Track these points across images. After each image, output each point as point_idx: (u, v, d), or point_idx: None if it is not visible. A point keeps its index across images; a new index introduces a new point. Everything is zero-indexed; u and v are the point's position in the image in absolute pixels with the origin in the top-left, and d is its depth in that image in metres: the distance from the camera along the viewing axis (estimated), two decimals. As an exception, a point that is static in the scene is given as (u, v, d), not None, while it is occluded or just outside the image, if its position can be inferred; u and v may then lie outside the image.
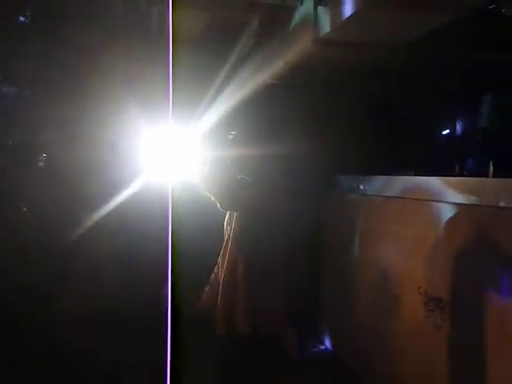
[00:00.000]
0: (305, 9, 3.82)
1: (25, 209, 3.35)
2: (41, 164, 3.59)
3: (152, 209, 3.65)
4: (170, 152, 2.67)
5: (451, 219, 3.14)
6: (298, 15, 3.98)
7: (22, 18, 4.32)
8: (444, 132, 4.94)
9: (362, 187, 4.42)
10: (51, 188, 3.56)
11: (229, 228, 2.64)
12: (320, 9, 3.60)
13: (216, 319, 2.62)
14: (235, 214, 2.56)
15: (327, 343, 4.96)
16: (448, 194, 3.17)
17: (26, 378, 2.80)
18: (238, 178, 2.54)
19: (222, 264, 2.65)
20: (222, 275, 2.64)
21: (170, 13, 2.46)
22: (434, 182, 3.36)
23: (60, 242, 3.44)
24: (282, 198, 2.66)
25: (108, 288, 3.54)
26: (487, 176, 3.30)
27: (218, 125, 2.77)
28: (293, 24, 4.09)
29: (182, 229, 2.84)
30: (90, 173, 3.67)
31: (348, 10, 3.23)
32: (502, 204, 2.67)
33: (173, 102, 2.58)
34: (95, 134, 4.02)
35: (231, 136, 2.69)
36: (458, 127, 4.82)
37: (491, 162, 3.27)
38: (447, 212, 3.16)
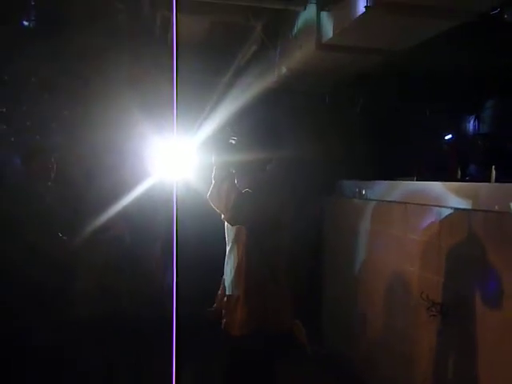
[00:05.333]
0: (308, 14, 3.83)
1: (36, 210, 3.39)
2: (49, 166, 3.62)
3: (157, 211, 3.68)
4: (175, 155, 2.67)
5: (453, 224, 3.13)
6: (301, 21, 3.99)
7: (25, 23, 4.36)
8: (447, 137, 4.94)
9: (364, 192, 4.42)
10: (60, 190, 3.60)
11: (232, 233, 2.65)
12: (323, 14, 3.61)
13: (228, 319, 2.63)
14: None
15: (329, 343, 4.96)
16: (450, 199, 3.17)
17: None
18: (243, 192, 2.54)
19: (233, 270, 2.66)
20: (230, 279, 2.65)
21: (174, 18, 2.46)
22: (437, 187, 3.35)
23: (64, 244, 3.48)
24: (288, 205, 2.67)
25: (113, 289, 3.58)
26: (490, 181, 3.29)
27: (219, 130, 2.77)
28: (296, 29, 4.09)
29: (185, 230, 2.85)
30: (96, 175, 3.71)
31: (351, 15, 3.24)
32: (505, 209, 2.67)
33: (177, 107, 2.58)
34: (100, 137, 4.05)
35: (233, 141, 2.69)
36: (461, 132, 4.82)
37: (493, 167, 3.27)
38: (450, 217, 3.16)
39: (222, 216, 2.60)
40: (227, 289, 2.68)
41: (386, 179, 4.17)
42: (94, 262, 3.58)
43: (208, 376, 3.17)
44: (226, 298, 2.67)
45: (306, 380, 4.05)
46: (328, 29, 3.56)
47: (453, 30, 3.30)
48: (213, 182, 2.59)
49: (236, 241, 2.62)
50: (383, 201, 4.07)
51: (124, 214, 3.62)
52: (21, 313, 3.28)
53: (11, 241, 3.35)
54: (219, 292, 2.81)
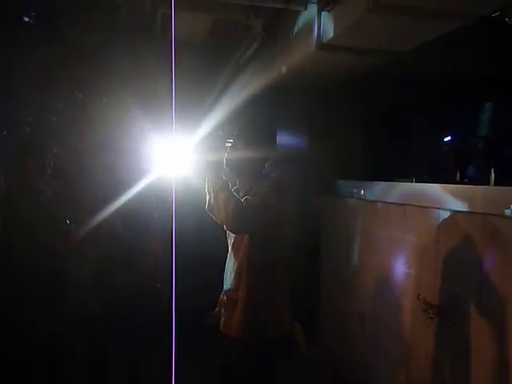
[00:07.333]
0: (308, 14, 3.82)
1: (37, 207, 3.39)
2: (46, 162, 3.61)
3: (155, 208, 3.68)
4: (173, 154, 2.66)
5: (451, 226, 3.13)
6: (301, 20, 3.98)
7: (26, 19, 4.34)
8: (446, 139, 4.95)
9: (361, 192, 4.41)
10: (58, 186, 3.59)
11: (233, 235, 2.64)
12: (324, 14, 3.59)
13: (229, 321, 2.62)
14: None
15: (326, 344, 4.96)
16: (448, 202, 3.17)
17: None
18: (243, 200, 2.46)
19: (233, 271, 2.66)
20: (230, 280, 2.64)
21: (173, 16, 2.46)
22: (435, 189, 3.36)
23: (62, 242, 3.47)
24: (289, 206, 2.64)
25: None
26: (489, 184, 3.30)
27: (217, 130, 2.75)
28: (296, 29, 4.09)
29: (183, 229, 2.84)
30: (94, 173, 3.70)
31: (352, 15, 3.23)
32: (503, 212, 2.67)
33: (177, 104, 2.57)
34: (98, 134, 4.04)
35: (228, 144, 2.67)
36: (460, 135, 4.82)
37: (493, 170, 3.27)
38: (448, 219, 3.16)
39: (224, 227, 2.58)
40: (226, 289, 2.67)
41: (384, 180, 4.17)
42: (91, 258, 3.57)
43: (204, 378, 3.16)
44: (225, 298, 2.66)
45: (302, 381, 4.06)
46: (329, 29, 3.55)
47: (453, 32, 3.30)
48: (207, 193, 2.55)
49: (237, 243, 2.60)
50: (381, 202, 4.07)
51: (122, 211, 3.61)
52: (18, 304, 3.28)
53: (10, 235, 3.35)
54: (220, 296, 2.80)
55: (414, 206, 3.57)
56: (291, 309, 2.67)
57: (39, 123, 4.38)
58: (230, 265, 2.65)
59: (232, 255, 2.65)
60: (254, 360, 2.52)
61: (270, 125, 2.84)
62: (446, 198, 3.19)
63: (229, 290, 2.64)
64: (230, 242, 2.68)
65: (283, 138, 5.03)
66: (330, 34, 3.53)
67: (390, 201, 3.92)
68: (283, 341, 2.60)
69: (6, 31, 4.17)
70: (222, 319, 2.63)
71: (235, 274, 2.60)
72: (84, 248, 3.58)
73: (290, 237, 2.67)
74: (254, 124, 2.75)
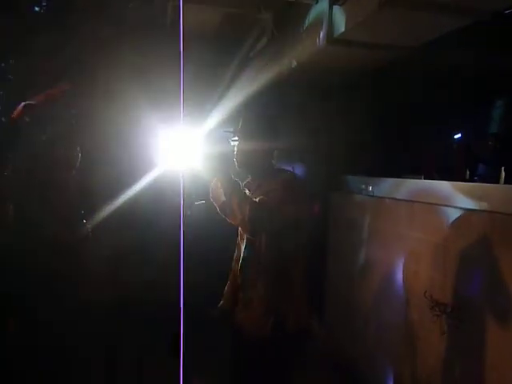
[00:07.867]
0: (319, 8, 3.80)
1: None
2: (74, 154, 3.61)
3: (164, 202, 3.68)
4: (181, 147, 2.64)
5: (460, 224, 3.12)
6: (312, 14, 3.95)
7: (36, 9, 4.34)
8: (456, 136, 4.91)
9: (370, 188, 4.40)
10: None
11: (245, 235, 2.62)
12: (335, 8, 3.57)
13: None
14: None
15: (333, 340, 4.96)
16: (457, 199, 3.15)
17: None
18: (257, 201, 2.40)
19: (237, 261, 2.66)
20: (239, 274, 2.63)
21: (181, 8, 2.44)
22: (444, 187, 3.33)
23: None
24: (303, 203, 2.61)
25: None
26: (499, 182, 3.27)
27: (223, 125, 2.73)
28: (307, 23, 4.06)
29: (193, 221, 2.83)
30: (101, 166, 3.71)
31: (363, 10, 3.21)
32: (512, 211, 2.65)
33: (184, 98, 2.56)
34: (107, 129, 4.05)
35: (234, 140, 2.65)
36: (471, 132, 4.79)
37: (503, 168, 3.24)
38: (456, 217, 3.14)
39: (240, 229, 2.56)
40: (243, 287, 2.64)
41: (393, 176, 4.15)
42: (102, 252, 3.58)
43: (221, 371, 3.16)
44: (241, 295, 2.63)
45: (309, 377, 4.05)
46: (340, 23, 3.52)
47: (466, 27, 3.27)
48: (211, 190, 2.56)
49: (251, 241, 2.56)
50: (390, 198, 4.05)
51: (131, 204, 3.62)
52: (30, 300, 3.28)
53: (25, 228, 3.36)
54: (226, 289, 2.79)
55: (422, 203, 3.55)
56: (308, 305, 2.66)
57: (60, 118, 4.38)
58: (244, 262, 2.62)
59: (246, 253, 2.62)
60: (273, 353, 2.50)
61: (272, 117, 2.79)
62: (455, 196, 3.17)
63: (244, 286, 2.62)
64: (244, 240, 2.64)
65: (291, 134, 5.01)
66: (341, 28, 3.50)
67: (398, 197, 3.90)
68: (301, 336, 2.59)
69: (23, 21, 4.17)
70: (241, 315, 2.61)
71: (252, 270, 2.57)
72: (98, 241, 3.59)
73: (304, 234, 2.65)
74: (256, 116, 2.72)
